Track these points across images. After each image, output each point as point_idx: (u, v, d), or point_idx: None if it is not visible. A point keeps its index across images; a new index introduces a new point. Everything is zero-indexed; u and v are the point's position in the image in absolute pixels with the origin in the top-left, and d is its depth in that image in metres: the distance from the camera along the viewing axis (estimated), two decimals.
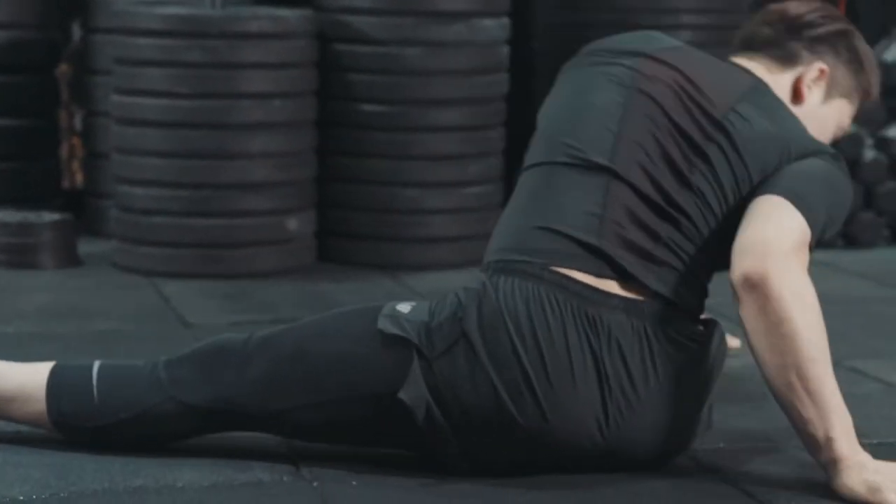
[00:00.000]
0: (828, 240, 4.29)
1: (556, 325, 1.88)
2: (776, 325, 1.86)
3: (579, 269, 1.92)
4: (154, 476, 1.96)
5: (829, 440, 1.88)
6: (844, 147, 4.18)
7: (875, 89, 2.18)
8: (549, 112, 2.10)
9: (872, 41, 4.97)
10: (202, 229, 3.54)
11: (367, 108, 3.69)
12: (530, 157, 2.06)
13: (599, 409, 1.91)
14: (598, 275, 1.92)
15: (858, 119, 4.44)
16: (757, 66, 2.13)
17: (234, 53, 3.50)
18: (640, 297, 1.94)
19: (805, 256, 1.95)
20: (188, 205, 3.53)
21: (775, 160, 1.99)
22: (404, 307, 1.96)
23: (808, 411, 1.87)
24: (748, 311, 1.89)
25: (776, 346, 1.87)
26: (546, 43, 4.08)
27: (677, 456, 2.07)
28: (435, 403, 1.89)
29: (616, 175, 1.96)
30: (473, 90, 3.71)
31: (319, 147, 3.72)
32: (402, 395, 1.89)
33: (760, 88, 2.07)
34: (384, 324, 1.93)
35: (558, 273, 1.91)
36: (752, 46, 2.17)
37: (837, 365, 2.73)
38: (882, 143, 4.25)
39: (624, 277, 1.94)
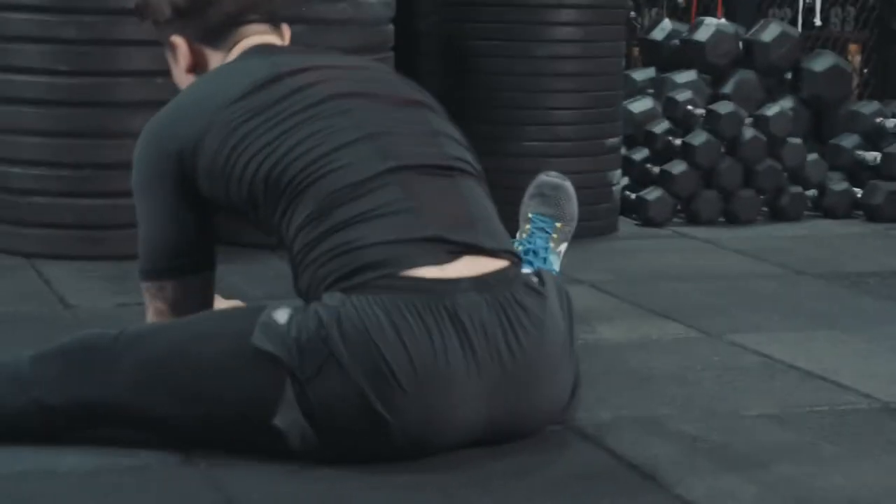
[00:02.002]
0: (709, 217, 4.39)
1: (419, 326, 1.88)
2: None
3: (424, 265, 1.92)
4: (35, 461, 1.92)
5: None
6: (723, 125, 4.27)
7: None
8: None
9: (749, 23, 5.09)
10: (84, 209, 3.46)
11: None
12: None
13: (477, 394, 1.92)
14: (441, 263, 1.93)
15: (737, 97, 4.55)
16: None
17: (112, 30, 3.42)
18: (484, 270, 1.95)
19: None
20: (69, 184, 3.45)
21: None
22: (282, 315, 1.90)
23: None
24: None
25: None
26: (432, 21, 4.08)
27: (561, 420, 2.10)
28: (310, 426, 1.87)
29: (394, 169, 1.98)
30: None
31: None
32: (276, 421, 1.87)
33: None
34: (259, 338, 1.89)
35: (407, 277, 1.91)
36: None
37: (718, 339, 2.81)
38: (760, 122, 4.35)
39: (461, 252, 1.95)
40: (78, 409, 1.94)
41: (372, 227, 1.93)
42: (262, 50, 2.20)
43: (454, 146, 2.09)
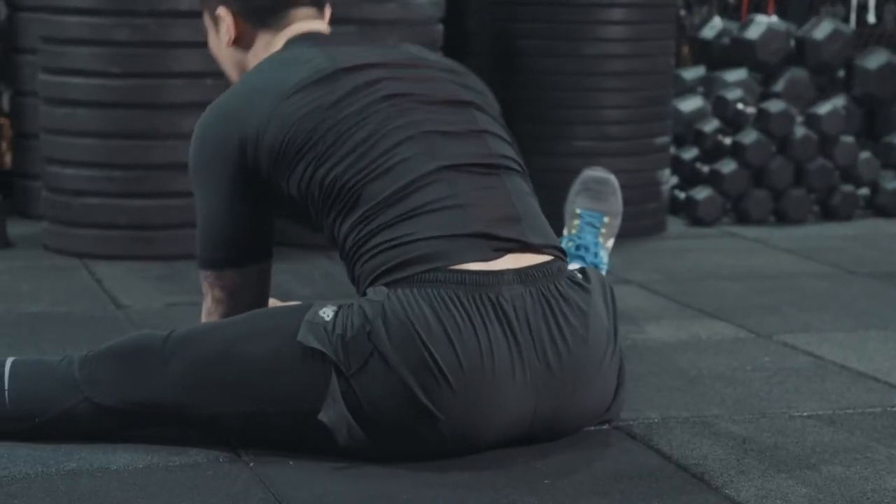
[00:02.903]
0: (760, 217, 4.36)
1: (463, 318, 1.89)
2: None
3: (470, 261, 1.93)
4: (88, 459, 1.94)
5: None
6: (774, 124, 4.24)
7: None
8: None
9: (801, 20, 5.04)
10: (135, 210, 3.50)
11: None
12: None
13: (523, 389, 1.92)
14: (487, 259, 1.94)
15: (788, 95, 4.52)
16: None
17: (164, 32, 3.46)
18: (529, 263, 1.96)
19: None
20: (120, 185, 3.49)
21: None
22: (327, 312, 1.92)
23: None
24: None
25: None
26: (481, 21, 4.08)
27: (606, 419, 2.10)
28: (355, 421, 1.88)
29: (442, 168, 1.98)
30: None
31: None
32: (322, 416, 1.88)
33: None
34: (305, 335, 1.90)
35: (452, 270, 1.91)
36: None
37: (769, 339, 2.79)
38: (812, 120, 4.31)
39: (507, 248, 1.95)
40: (130, 408, 1.96)
41: (419, 223, 1.94)
42: (314, 39, 2.19)
43: (500, 144, 2.09)
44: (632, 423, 2.16)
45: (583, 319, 1.96)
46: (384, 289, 1.93)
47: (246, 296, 2.12)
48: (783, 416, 2.25)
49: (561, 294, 1.96)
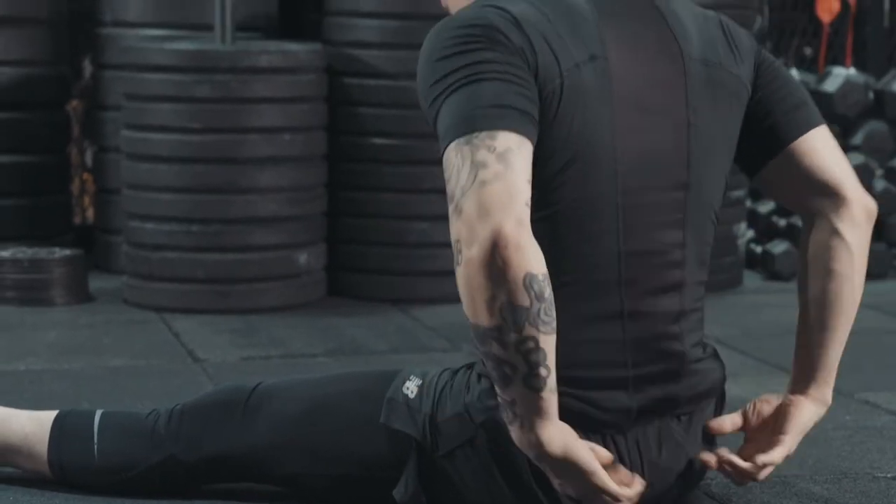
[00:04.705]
0: None
1: None
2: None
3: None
4: None
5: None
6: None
7: None
8: None
9: (879, 72, 4.99)
10: (212, 264, 3.54)
11: (377, 141, 3.71)
12: None
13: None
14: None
15: (867, 148, 4.46)
16: None
17: (243, 88, 3.51)
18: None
19: None
20: (198, 240, 3.54)
21: None
22: (411, 387, 1.84)
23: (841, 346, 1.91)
24: (864, 238, 1.93)
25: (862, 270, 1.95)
26: None
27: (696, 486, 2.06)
28: (427, 500, 1.84)
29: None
30: None
31: (329, 181, 3.73)
32: (396, 494, 1.85)
33: None
34: (388, 417, 1.85)
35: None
36: None
37: (850, 397, 2.74)
38: (892, 174, 4.25)
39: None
40: (212, 463, 1.97)
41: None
42: None
43: None
44: (710, 481, 2.13)
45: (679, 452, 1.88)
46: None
47: (521, 172, 1.61)
48: (866, 476, 2.21)
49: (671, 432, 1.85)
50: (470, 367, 1.85)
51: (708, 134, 1.85)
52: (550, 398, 1.64)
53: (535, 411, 1.64)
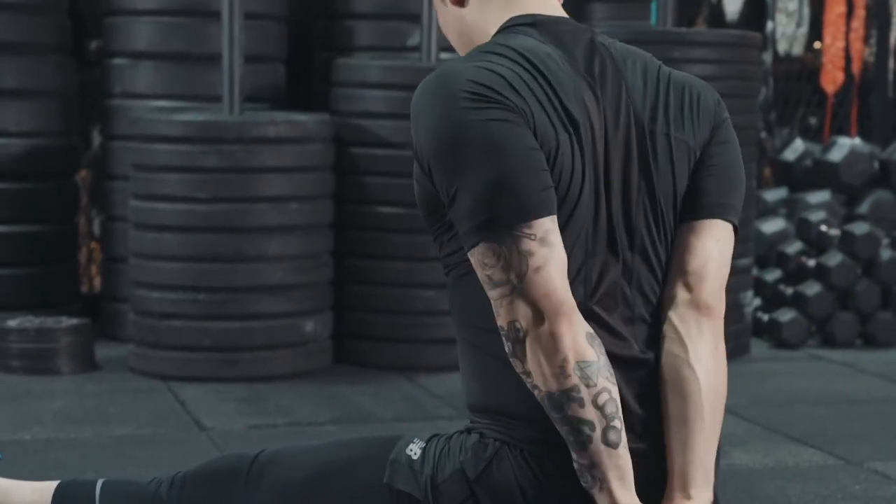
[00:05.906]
0: (846, 340, 4.27)
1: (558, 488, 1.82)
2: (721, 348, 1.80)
3: None
4: None
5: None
6: (859, 246, 4.19)
7: None
8: None
9: (884, 142, 5.01)
10: (218, 332, 3.54)
11: (383, 210, 3.72)
12: None
13: None
14: None
15: (873, 217, 4.47)
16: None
17: (251, 158, 3.54)
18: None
19: None
20: (205, 308, 3.54)
21: None
22: (415, 450, 1.86)
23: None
24: (715, 336, 1.80)
25: (722, 368, 1.82)
26: None
27: None
28: None
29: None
30: None
31: (335, 249, 3.74)
32: None
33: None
34: (391, 478, 1.88)
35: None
36: None
37: (859, 467, 2.72)
38: None
39: None
40: None
41: None
42: (552, 35, 1.78)
43: None
44: None
45: None
46: (495, 440, 1.77)
47: (563, 259, 1.68)
48: None
49: None
50: (467, 431, 1.87)
51: (656, 197, 1.86)
52: (626, 457, 1.68)
53: (613, 470, 1.68)
